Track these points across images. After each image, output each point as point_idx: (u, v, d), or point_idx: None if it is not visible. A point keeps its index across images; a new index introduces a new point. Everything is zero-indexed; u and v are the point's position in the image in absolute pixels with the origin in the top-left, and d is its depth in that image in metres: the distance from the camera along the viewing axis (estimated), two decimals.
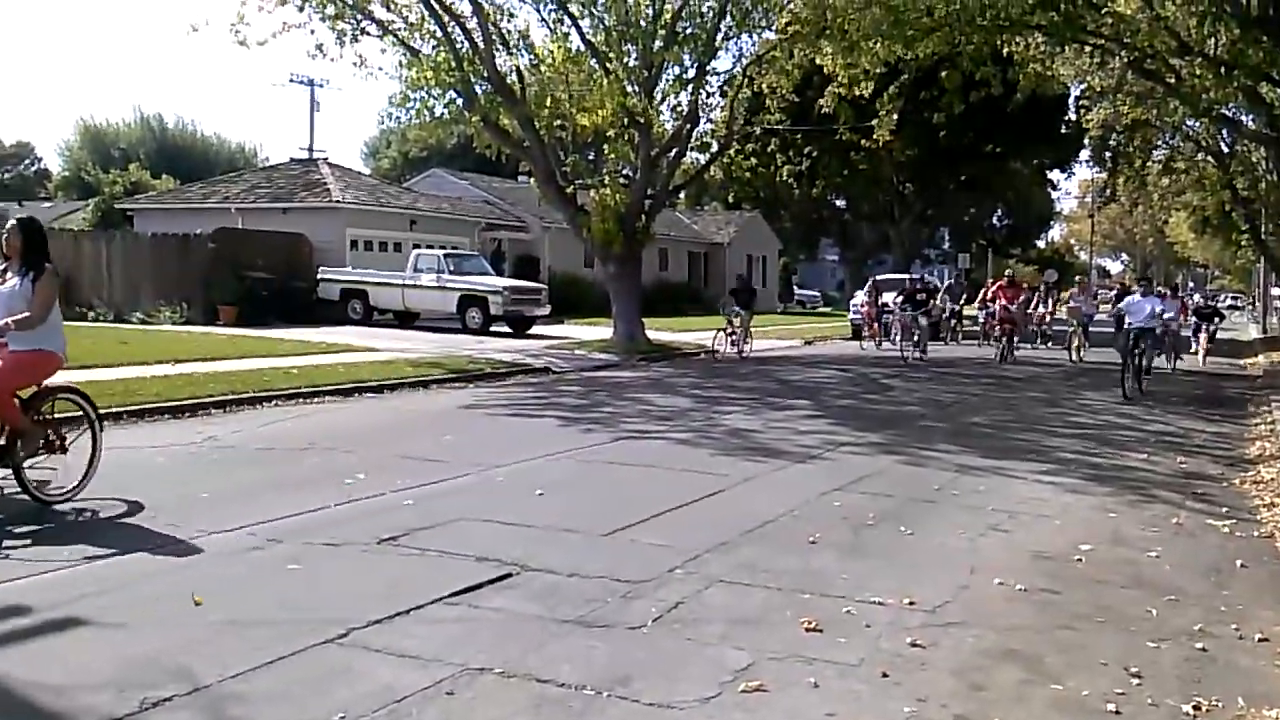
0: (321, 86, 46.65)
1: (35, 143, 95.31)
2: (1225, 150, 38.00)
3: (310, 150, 43.39)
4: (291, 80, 44.28)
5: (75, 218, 45.76)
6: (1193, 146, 37.67)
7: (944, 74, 23.52)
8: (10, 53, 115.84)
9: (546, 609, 5.67)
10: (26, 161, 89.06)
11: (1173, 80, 25.96)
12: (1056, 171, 55.35)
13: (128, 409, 12.18)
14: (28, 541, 6.81)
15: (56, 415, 8.26)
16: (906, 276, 32.64)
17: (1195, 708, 4.66)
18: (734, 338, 23.89)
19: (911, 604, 5.94)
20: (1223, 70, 23.33)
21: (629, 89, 23.03)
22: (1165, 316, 19.29)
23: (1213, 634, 5.65)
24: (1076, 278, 49.17)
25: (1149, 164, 39.32)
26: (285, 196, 32.70)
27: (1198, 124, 34.20)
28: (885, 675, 4.90)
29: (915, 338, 24.33)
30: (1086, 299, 30.80)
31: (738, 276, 30.24)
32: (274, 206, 32.18)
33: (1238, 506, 9.06)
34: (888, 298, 29.32)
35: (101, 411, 11.72)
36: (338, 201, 31.68)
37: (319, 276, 29.33)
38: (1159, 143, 37.99)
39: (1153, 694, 4.80)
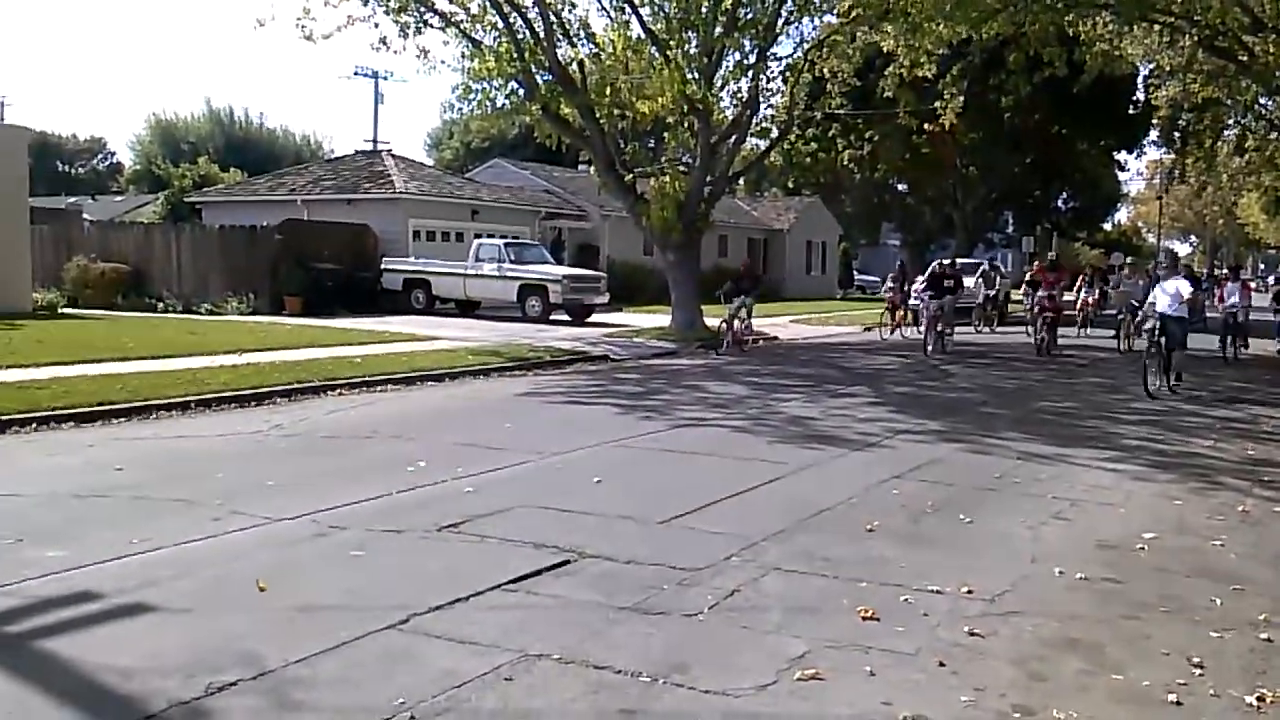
0: (385, 79, 46.80)
1: (108, 137, 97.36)
2: None
3: (374, 142, 43.71)
4: (356, 73, 44.55)
5: (146, 210, 46.66)
6: (1265, 125, 36.72)
7: (1011, 56, 23.19)
8: (84, 49, 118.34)
9: (604, 596, 5.72)
10: (100, 156, 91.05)
11: (1245, 58, 25.38)
12: (1124, 153, 54.17)
13: (196, 398, 12.44)
14: (97, 527, 6.98)
15: None
16: (972, 261, 32.03)
17: (1260, 699, 4.59)
18: (736, 328, 22.09)
19: (970, 593, 5.91)
20: None
21: (689, 76, 22.94)
22: (1231, 301, 19.21)
23: (1278, 624, 5.56)
24: (1126, 260, 47.99)
25: (1219, 144, 38.37)
26: (350, 188, 33.07)
27: (1270, 102, 33.35)
28: (942, 664, 4.89)
29: (940, 328, 22.51)
30: (1137, 281, 27.22)
31: (743, 263, 27.54)
32: (339, 198, 32.57)
33: None
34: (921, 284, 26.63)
35: (171, 401, 12.11)
36: (401, 192, 31.98)
37: (383, 266, 29.64)
38: (1229, 121, 37.04)
39: (1215, 685, 4.74)
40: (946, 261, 26.56)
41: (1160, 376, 15.49)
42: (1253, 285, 33.23)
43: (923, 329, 23.39)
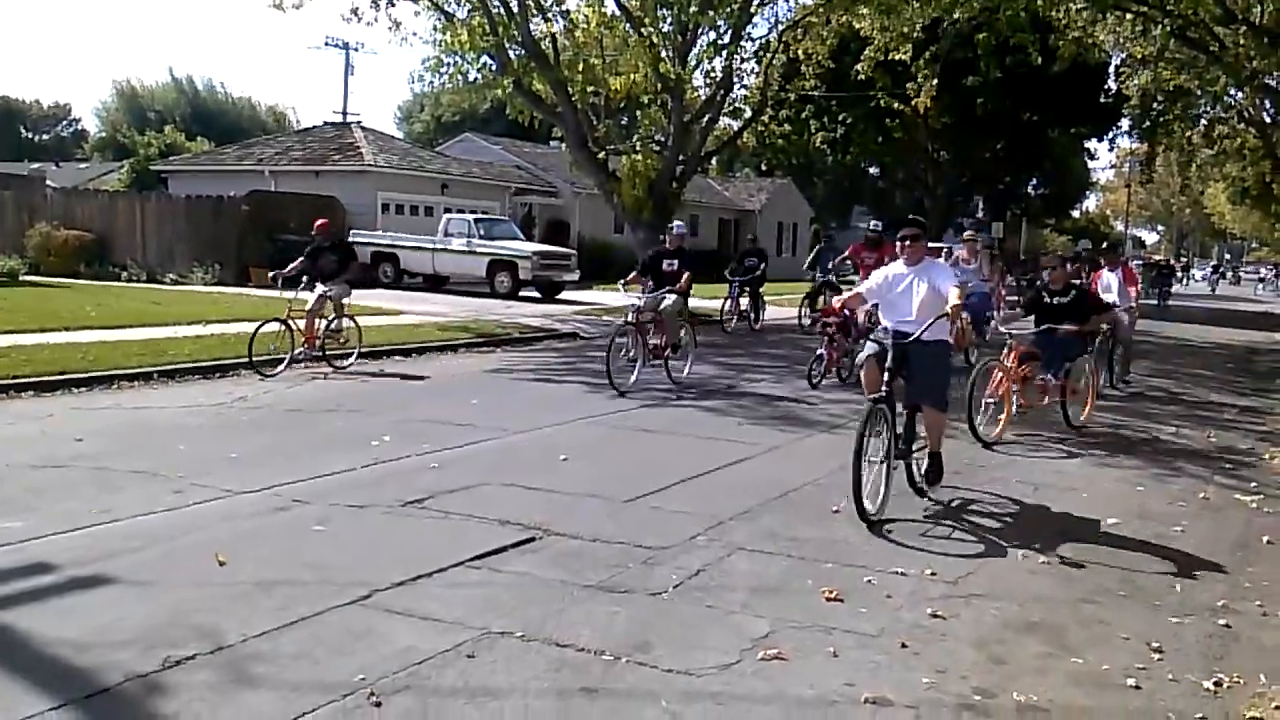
0: (356, 50, 46.53)
1: (73, 104, 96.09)
2: (1268, 120, 37.32)
3: (344, 114, 43.39)
4: (326, 44, 44.50)
5: (111, 179, 46.04)
6: (1234, 116, 36.99)
7: (980, 37, 23.19)
8: (49, 15, 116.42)
9: (569, 574, 5.70)
10: (64, 123, 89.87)
11: (1216, 48, 25.50)
12: (1095, 141, 54.57)
13: (159, 369, 12.31)
14: (56, 498, 6.89)
15: None
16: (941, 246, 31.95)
17: (1216, 684, 4.64)
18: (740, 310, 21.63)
19: (933, 575, 5.93)
20: (1267, 39, 22.90)
21: (663, 54, 22.83)
22: (1108, 300, 12.97)
23: (1236, 610, 5.61)
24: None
25: (1192, 133, 38.59)
26: (318, 159, 32.77)
27: (1239, 93, 33.58)
28: (905, 646, 4.90)
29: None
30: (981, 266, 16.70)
31: (749, 238, 26.63)
32: (307, 169, 32.26)
33: (1266, 482, 8.97)
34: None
35: (133, 371, 11.95)
36: (370, 165, 31.73)
37: (350, 239, 29.40)
38: (1198, 111, 37.27)
39: (1174, 669, 4.78)
40: (944, 246, 19.77)
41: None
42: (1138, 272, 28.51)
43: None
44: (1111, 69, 39.67)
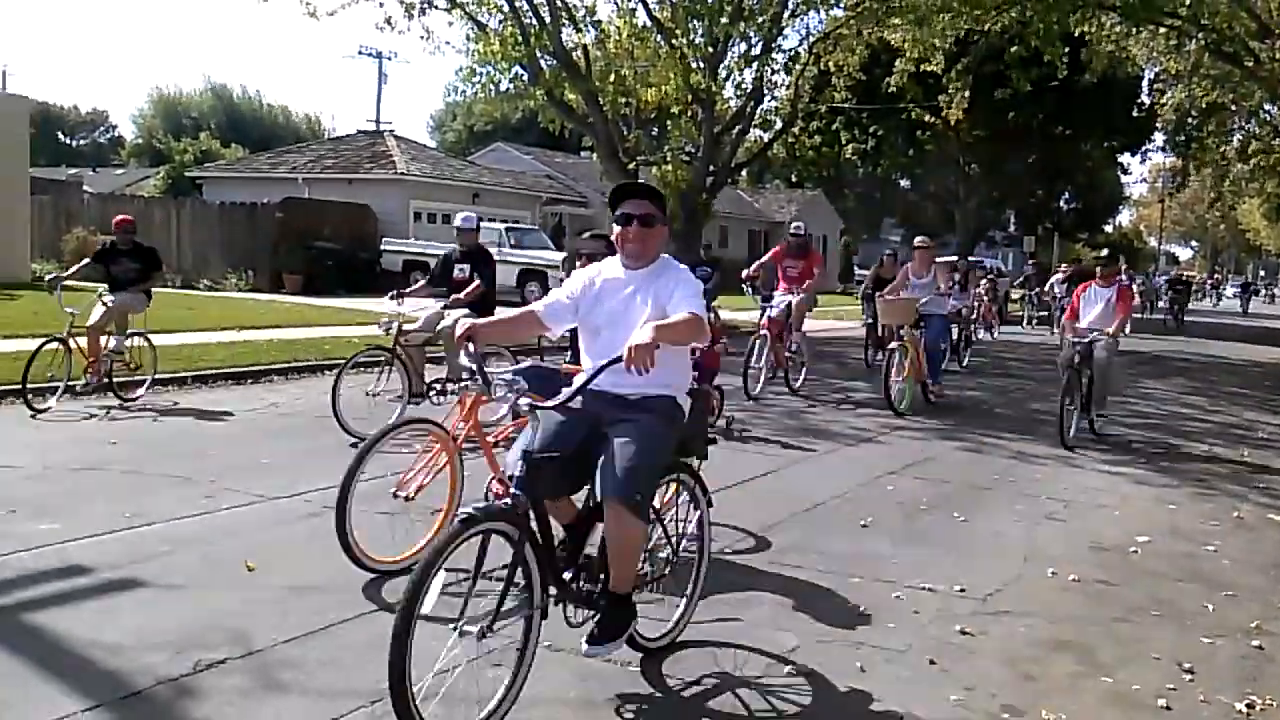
0: (390, 59, 47.16)
1: (110, 110, 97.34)
2: None
3: (377, 122, 43.68)
4: (360, 52, 44.52)
5: (147, 184, 46.57)
6: (1270, 131, 36.70)
7: (1010, 50, 23.12)
8: (88, 22, 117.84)
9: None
10: (101, 129, 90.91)
11: (1251, 64, 25.30)
12: (1128, 155, 54.22)
13: (192, 374, 12.43)
14: (90, 503, 6.96)
15: None
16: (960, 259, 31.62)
17: (1249, 706, 4.58)
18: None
19: (962, 591, 5.90)
20: None
21: (693, 65, 22.87)
22: (1086, 323, 11.41)
23: (1270, 631, 5.55)
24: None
25: (1226, 149, 38.31)
26: (351, 167, 33.02)
27: (1275, 109, 33.31)
28: (933, 663, 4.88)
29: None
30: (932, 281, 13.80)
31: (703, 246, 23.96)
32: (340, 177, 32.52)
33: None
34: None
35: (166, 376, 12.04)
36: (402, 173, 31.94)
37: (382, 247, 29.59)
38: (1233, 127, 37.01)
39: (1206, 690, 4.73)
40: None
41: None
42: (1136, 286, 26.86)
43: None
44: (1145, 83, 39.46)
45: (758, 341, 13.07)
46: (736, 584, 5.84)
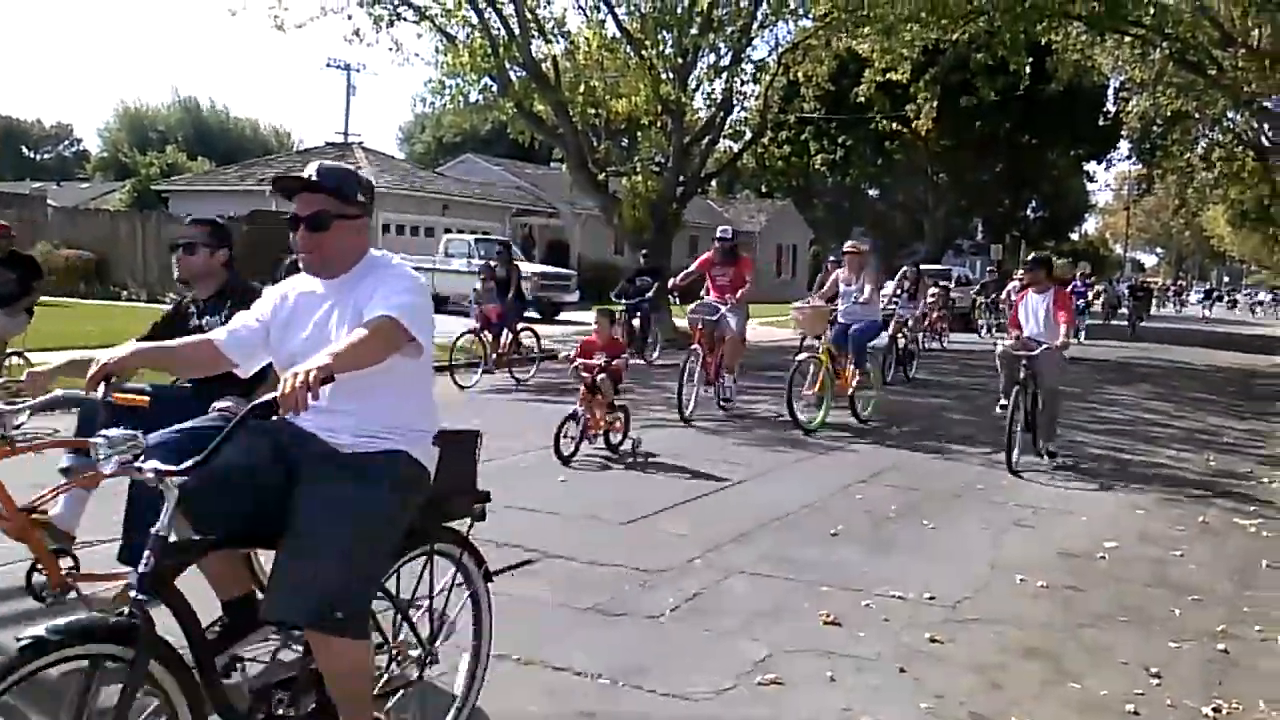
0: (358, 71, 46.89)
1: (74, 124, 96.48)
2: (1266, 144, 37.50)
3: (345, 134, 43.55)
4: (328, 65, 44.43)
5: (112, 198, 46.21)
6: (1233, 139, 37.19)
7: (975, 57, 23.32)
8: (52, 35, 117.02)
9: (565, 596, 5.69)
10: (66, 142, 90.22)
11: (1214, 72, 25.64)
12: (1093, 163, 54.80)
13: None
14: None
15: None
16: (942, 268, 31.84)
17: (1215, 710, 4.61)
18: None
19: (931, 599, 5.91)
20: (1267, 63, 23.02)
21: (663, 76, 22.93)
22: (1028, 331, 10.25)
23: (1235, 635, 5.59)
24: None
25: (1191, 156, 38.77)
26: None
27: (1238, 117, 33.75)
28: (903, 670, 4.88)
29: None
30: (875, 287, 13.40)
31: (642, 254, 21.69)
32: None
33: (1266, 505, 8.96)
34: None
35: None
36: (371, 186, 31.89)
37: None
38: (1197, 134, 37.47)
39: (1172, 695, 4.75)
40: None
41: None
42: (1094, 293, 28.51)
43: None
44: (1110, 91, 39.89)
45: (691, 359, 12.34)
46: (706, 594, 5.83)
